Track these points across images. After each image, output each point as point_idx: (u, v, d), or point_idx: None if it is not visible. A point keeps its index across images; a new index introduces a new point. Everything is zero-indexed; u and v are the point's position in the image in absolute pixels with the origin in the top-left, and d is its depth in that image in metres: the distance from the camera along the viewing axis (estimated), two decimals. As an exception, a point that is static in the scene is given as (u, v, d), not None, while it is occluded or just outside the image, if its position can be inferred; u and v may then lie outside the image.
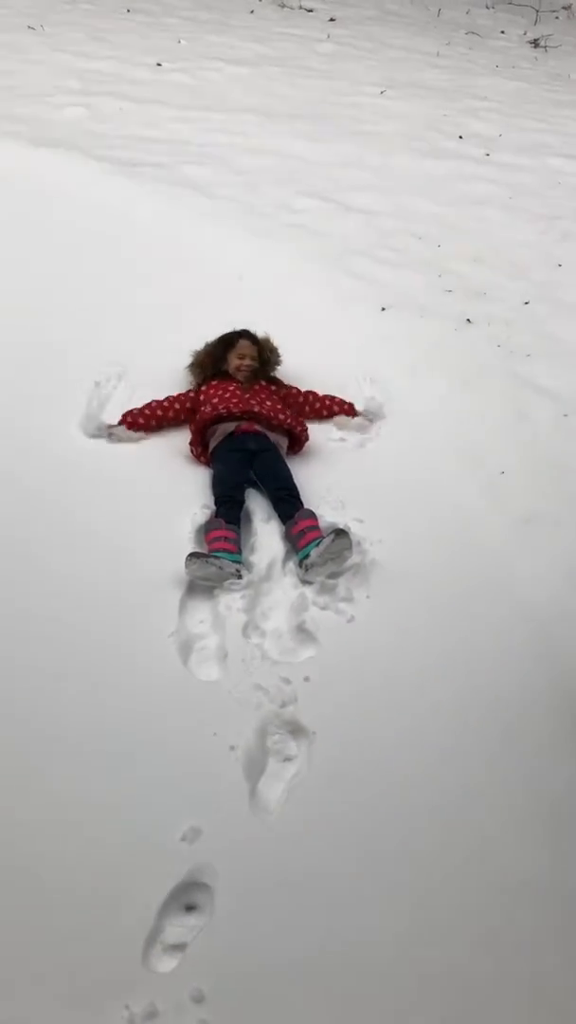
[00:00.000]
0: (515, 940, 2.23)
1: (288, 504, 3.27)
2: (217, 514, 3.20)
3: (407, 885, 2.30)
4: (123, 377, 3.87)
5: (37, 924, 2.12)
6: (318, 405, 3.87)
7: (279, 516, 3.29)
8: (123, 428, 3.59)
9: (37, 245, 4.56)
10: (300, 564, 3.08)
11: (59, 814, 2.32)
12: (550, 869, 2.39)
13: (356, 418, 3.86)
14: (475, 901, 2.29)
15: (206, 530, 3.15)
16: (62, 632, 2.78)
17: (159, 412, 3.67)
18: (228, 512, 3.19)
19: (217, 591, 2.98)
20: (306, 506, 3.30)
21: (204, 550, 3.09)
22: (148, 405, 3.69)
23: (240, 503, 3.28)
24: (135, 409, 3.67)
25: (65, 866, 2.22)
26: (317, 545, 3.03)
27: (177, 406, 3.71)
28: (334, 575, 3.05)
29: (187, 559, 2.93)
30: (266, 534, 3.26)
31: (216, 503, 3.26)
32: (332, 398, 3.90)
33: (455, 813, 2.46)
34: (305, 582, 3.06)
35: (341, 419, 3.85)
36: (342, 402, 3.90)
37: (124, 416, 3.64)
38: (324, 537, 3.05)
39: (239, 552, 3.09)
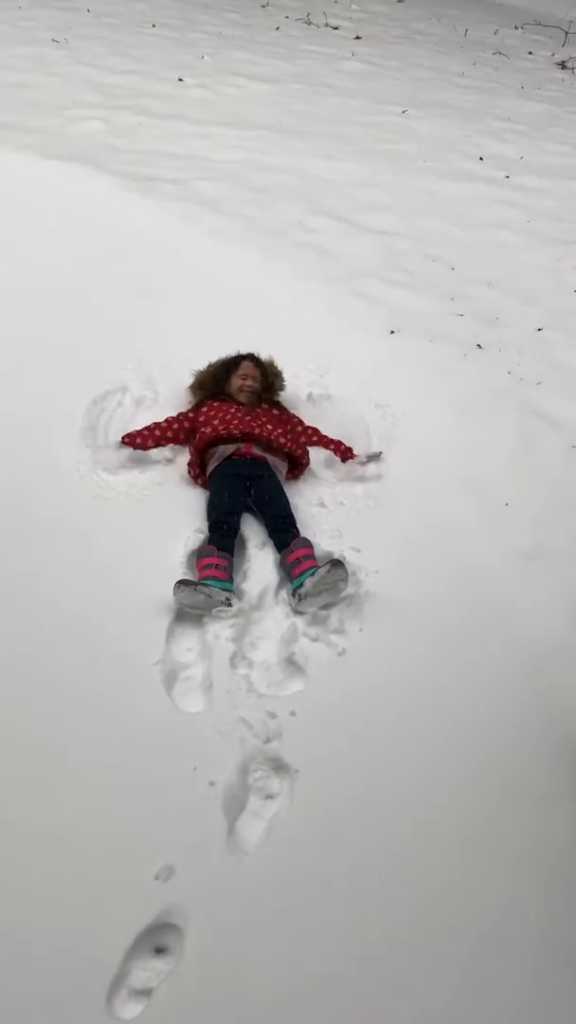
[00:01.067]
0: (500, 992, 2.15)
1: (284, 532, 3.20)
2: (210, 541, 3.13)
3: (388, 932, 2.22)
4: (124, 395, 3.81)
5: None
6: (316, 439, 3.76)
7: (274, 543, 3.22)
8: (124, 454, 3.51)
9: (43, 259, 4.52)
10: (293, 593, 3.01)
11: (25, 846, 2.26)
12: (540, 918, 2.31)
13: (354, 460, 3.67)
14: (459, 950, 2.21)
15: (198, 557, 3.08)
16: (43, 656, 2.72)
17: (156, 433, 3.61)
18: (221, 539, 3.12)
19: (206, 619, 2.92)
20: (302, 534, 3.24)
21: (195, 577, 3.02)
22: (147, 427, 3.64)
23: (235, 530, 3.22)
24: (133, 431, 3.61)
25: (29, 903, 2.16)
26: (312, 575, 2.96)
27: (176, 426, 3.65)
28: (327, 606, 2.98)
29: (175, 586, 2.86)
30: (260, 561, 3.20)
31: (210, 529, 3.20)
32: (333, 441, 3.76)
33: (442, 860, 2.39)
34: (297, 612, 2.99)
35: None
36: (340, 443, 3.75)
37: (123, 438, 3.57)
38: (319, 567, 2.97)
39: (230, 580, 3.03)
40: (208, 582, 2.94)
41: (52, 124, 5.99)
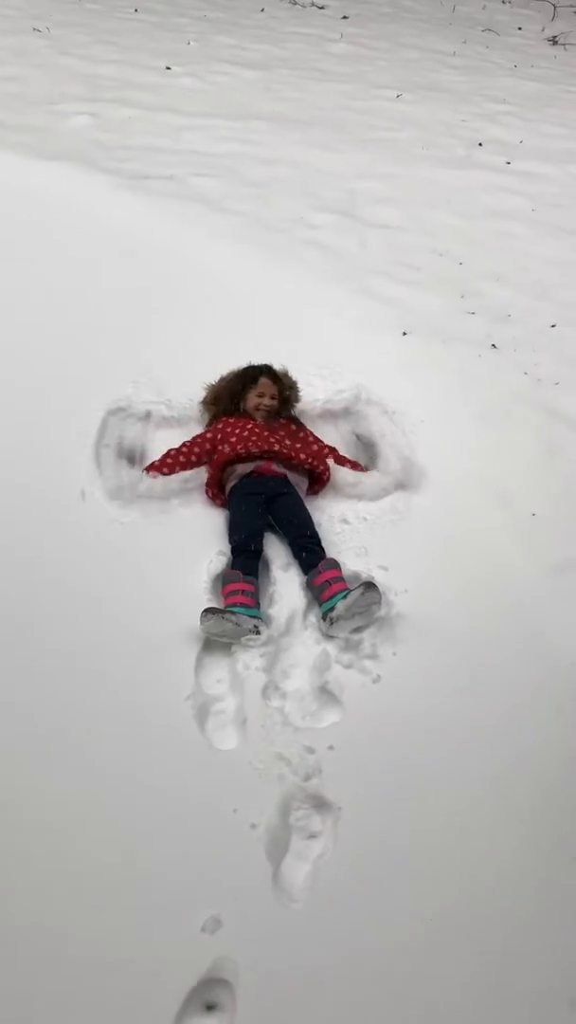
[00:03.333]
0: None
1: (310, 552, 3.11)
2: (234, 565, 3.04)
3: (448, 981, 2.15)
4: (133, 410, 3.68)
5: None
6: (333, 460, 3.60)
7: (300, 565, 3.12)
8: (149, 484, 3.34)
9: (37, 265, 4.36)
10: (324, 617, 2.92)
11: (61, 906, 2.17)
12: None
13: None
14: (519, 998, 2.14)
15: (223, 582, 2.99)
16: (66, 694, 2.62)
17: (181, 459, 3.47)
18: (245, 563, 3.03)
19: (235, 647, 2.83)
20: (327, 552, 3.14)
21: (220, 604, 2.93)
22: (167, 455, 3.48)
23: (258, 553, 3.12)
24: (155, 462, 3.46)
25: (73, 964, 2.08)
26: (344, 598, 2.87)
27: (197, 450, 3.49)
28: (358, 629, 2.90)
29: (202, 615, 2.78)
30: (285, 583, 3.10)
31: (233, 552, 3.10)
32: (349, 461, 3.64)
33: (495, 901, 2.30)
34: (328, 636, 2.91)
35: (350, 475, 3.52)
36: (356, 464, 3.64)
37: (145, 470, 3.43)
38: (351, 589, 2.89)
39: (257, 606, 2.93)
40: (235, 609, 2.85)
41: (40, 120, 5.81)
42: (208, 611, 2.79)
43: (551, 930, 2.26)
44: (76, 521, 3.16)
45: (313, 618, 2.99)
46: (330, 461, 3.53)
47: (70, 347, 3.91)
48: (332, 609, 2.88)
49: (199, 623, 2.79)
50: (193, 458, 3.48)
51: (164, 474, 3.40)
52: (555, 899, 2.32)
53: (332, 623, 2.87)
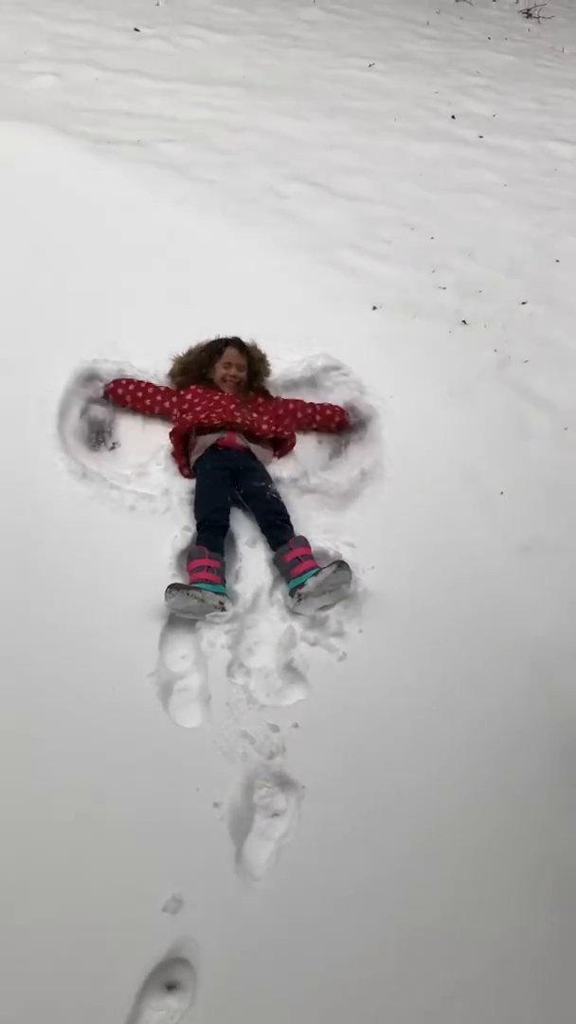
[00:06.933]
0: (514, 1010, 2.13)
1: (279, 529, 3.07)
2: (199, 540, 2.99)
3: (411, 958, 2.16)
4: (98, 380, 3.58)
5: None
6: (305, 413, 3.60)
7: (268, 541, 3.08)
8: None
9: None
10: (292, 593, 2.89)
11: (19, 886, 2.13)
12: (551, 930, 2.27)
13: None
14: (474, 970, 2.17)
15: (188, 558, 2.94)
16: (27, 672, 2.56)
17: (144, 398, 3.52)
18: (211, 538, 2.98)
19: (199, 624, 2.79)
20: (294, 528, 3.10)
21: (185, 580, 2.88)
22: (139, 384, 3.54)
23: (224, 528, 3.06)
24: (124, 380, 3.54)
25: (29, 948, 2.05)
26: (314, 575, 2.84)
27: (167, 404, 3.52)
28: (325, 607, 2.87)
29: (167, 591, 2.73)
30: (251, 559, 3.06)
31: (198, 527, 3.05)
32: (321, 407, 3.64)
33: (454, 875, 2.33)
34: (295, 613, 2.88)
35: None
36: (331, 409, 3.63)
37: (108, 385, 3.53)
38: (322, 567, 2.86)
39: (223, 583, 2.89)
40: (201, 585, 2.80)
41: (3, 80, 5.62)
42: (173, 587, 2.74)
43: (511, 893, 2.30)
44: (36, 495, 3.07)
45: (279, 595, 2.96)
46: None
47: (32, 315, 3.78)
48: (302, 585, 2.85)
49: (164, 599, 2.74)
50: (156, 408, 3.53)
51: (118, 396, 3.52)
52: (513, 870, 2.35)
53: (300, 599, 2.84)
